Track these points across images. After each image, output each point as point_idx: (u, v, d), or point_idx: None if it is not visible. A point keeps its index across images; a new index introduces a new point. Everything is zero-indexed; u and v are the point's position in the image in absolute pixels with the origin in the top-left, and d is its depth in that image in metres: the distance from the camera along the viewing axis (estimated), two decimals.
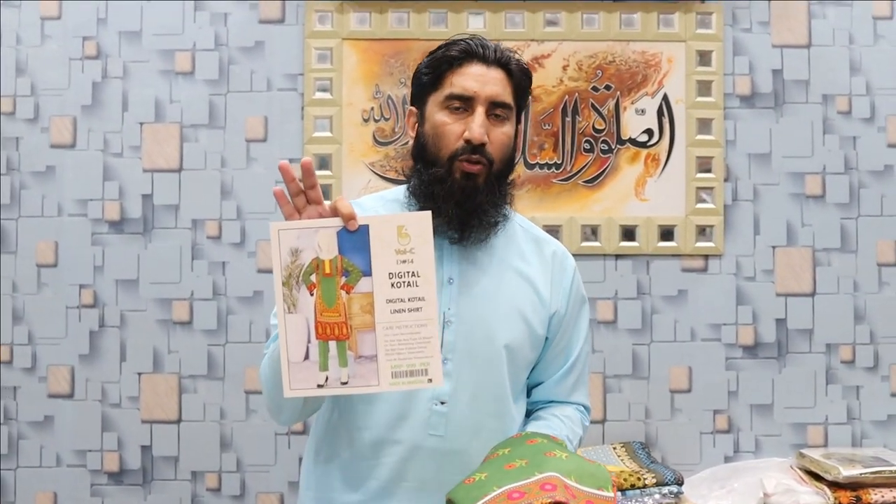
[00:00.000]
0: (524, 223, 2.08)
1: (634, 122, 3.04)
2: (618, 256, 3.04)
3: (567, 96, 3.04)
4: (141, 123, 3.02)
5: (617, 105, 3.04)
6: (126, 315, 3.00)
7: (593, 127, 3.04)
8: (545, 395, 2.07)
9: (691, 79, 3.04)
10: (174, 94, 3.03)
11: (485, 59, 1.90)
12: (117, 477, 2.99)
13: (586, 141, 3.03)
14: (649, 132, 3.04)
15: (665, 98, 3.05)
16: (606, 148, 3.04)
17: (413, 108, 1.99)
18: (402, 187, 2.02)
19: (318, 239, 1.55)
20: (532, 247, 2.03)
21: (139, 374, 3.00)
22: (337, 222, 1.55)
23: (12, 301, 3.00)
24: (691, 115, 3.04)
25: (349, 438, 1.92)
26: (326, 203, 1.63)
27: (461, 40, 1.93)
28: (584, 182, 3.03)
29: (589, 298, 2.95)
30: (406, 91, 2.95)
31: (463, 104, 1.88)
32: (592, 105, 3.04)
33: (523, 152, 3.02)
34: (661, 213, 3.03)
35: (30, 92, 3.02)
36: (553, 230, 3.00)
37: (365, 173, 2.98)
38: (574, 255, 2.94)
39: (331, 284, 1.54)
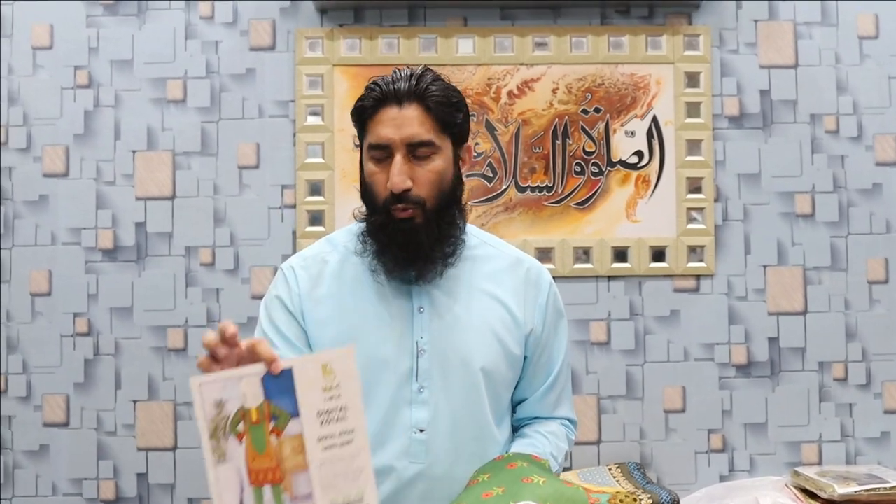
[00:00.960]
0: (496, 243, 2.09)
1: (624, 144, 3.06)
2: (610, 278, 3.05)
3: (557, 119, 3.05)
4: (133, 151, 3.03)
5: (607, 127, 3.06)
6: (121, 343, 3.01)
7: (584, 149, 3.05)
8: (529, 412, 2.09)
9: (680, 100, 3.06)
10: (166, 122, 3.04)
11: (398, 100, 1.87)
12: None
13: (577, 163, 3.05)
14: (639, 154, 3.06)
15: (654, 120, 3.07)
16: (597, 170, 3.05)
17: (359, 146, 2.00)
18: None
19: (242, 388, 1.46)
20: (505, 266, 2.04)
21: (134, 401, 3.00)
22: (260, 368, 1.45)
23: (6, 330, 3.00)
24: (680, 136, 3.06)
25: None
26: (242, 342, 1.50)
27: (376, 84, 1.90)
28: (576, 204, 3.05)
29: (582, 320, 3.02)
30: None
31: (384, 152, 1.88)
32: (582, 128, 3.05)
33: (514, 176, 3.03)
34: (652, 234, 3.05)
35: (22, 121, 3.02)
36: (545, 252, 3.01)
37: (357, 198, 2.97)
38: (566, 277, 3.00)
39: (259, 431, 1.47)
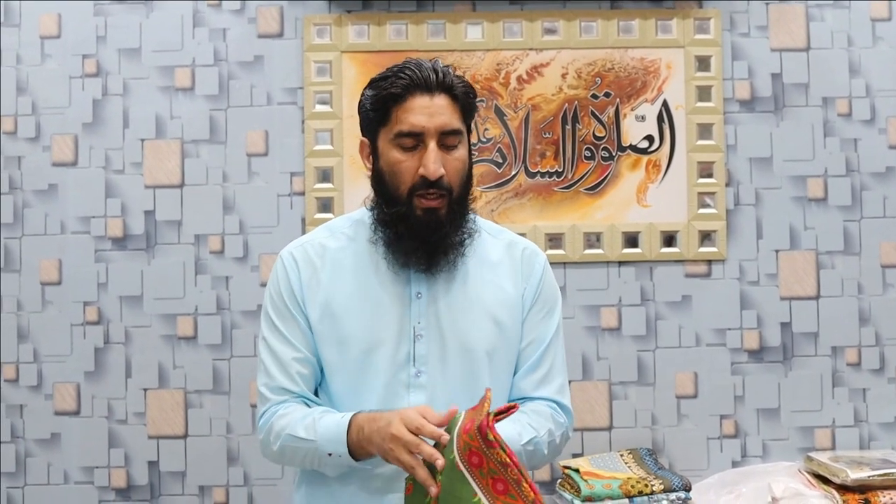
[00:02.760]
0: (492, 230, 2.10)
1: (635, 129, 3.04)
2: (621, 263, 3.04)
3: (567, 104, 3.04)
4: (142, 140, 3.03)
5: (617, 112, 3.04)
6: (131, 331, 3.01)
7: (594, 134, 3.04)
8: (514, 393, 2.06)
9: (691, 84, 3.04)
10: (174, 110, 3.04)
11: (428, 89, 1.89)
12: (125, 493, 2.99)
13: (587, 148, 3.03)
14: (650, 138, 3.04)
15: (665, 104, 3.05)
16: (607, 155, 3.04)
17: (365, 140, 2.00)
18: (364, 209, 2.04)
19: None
20: (501, 250, 2.06)
21: (145, 389, 3.01)
22: None
23: (17, 319, 3.00)
24: (691, 120, 3.04)
25: None
26: None
27: (402, 72, 1.90)
28: (586, 190, 3.03)
29: (593, 306, 3.01)
30: None
31: (414, 140, 1.88)
32: (592, 112, 3.04)
33: (524, 161, 3.02)
34: (663, 219, 3.03)
35: (31, 111, 3.02)
36: (555, 238, 3.00)
37: (367, 185, 2.95)
38: (577, 263, 2.99)
39: None
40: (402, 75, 1.89)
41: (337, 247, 2.02)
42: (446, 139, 1.89)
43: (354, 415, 1.85)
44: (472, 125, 2.04)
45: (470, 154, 1.99)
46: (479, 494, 1.68)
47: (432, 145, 1.87)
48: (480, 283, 2.00)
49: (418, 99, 1.88)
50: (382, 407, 1.90)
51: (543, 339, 2.05)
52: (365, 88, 1.97)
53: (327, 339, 1.97)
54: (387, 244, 1.95)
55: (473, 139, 3.00)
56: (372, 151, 1.98)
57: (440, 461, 1.68)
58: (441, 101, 1.89)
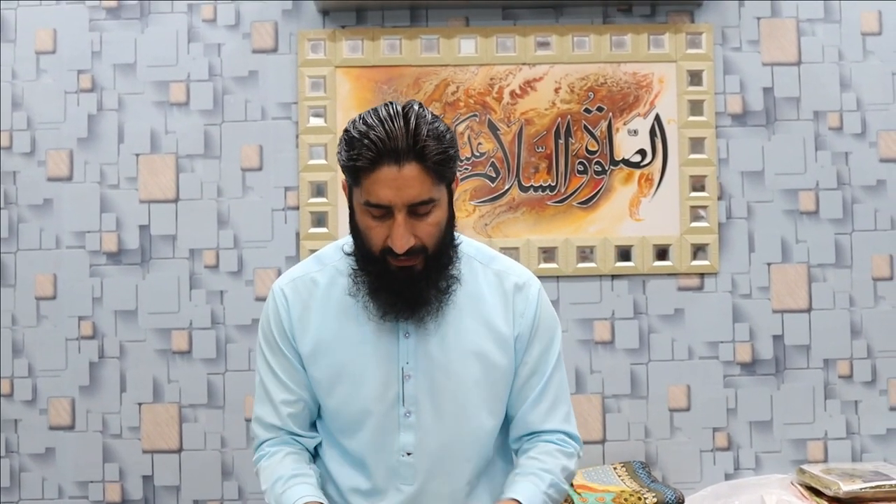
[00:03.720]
0: (484, 257, 2.04)
1: (627, 143, 3.06)
2: (614, 277, 3.05)
3: (560, 119, 3.05)
4: (137, 155, 3.04)
5: (609, 126, 3.06)
6: (125, 346, 3.01)
7: (586, 148, 3.05)
8: (521, 428, 2.03)
9: (683, 98, 3.06)
10: (169, 125, 3.05)
11: (396, 160, 1.76)
12: None
13: (580, 162, 3.05)
14: (642, 152, 3.06)
15: (657, 118, 3.06)
16: (600, 169, 3.05)
17: (344, 182, 1.92)
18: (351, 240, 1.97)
19: None
20: (492, 281, 2.01)
21: (139, 404, 3.01)
22: None
23: (12, 334, 3.01)
24: (683, 134, 3.05)
25: (336, 492, 2.00)
26: None
27: (372, 140, 1.77)
28: (579, 203, 3.05)
29: (586, 319, 3.02)
30: None
31: (382, 211, 1.80)
32: (585, 127, 3.05)
33: (517, 175, 3.03)
34: (655, 232, 3.05)
35: (26, 126, 3.03)
36: (548, 252, 3.01)
37: None
38: (570, 277, 3.00)
39: None
40: (372, 145, 1.77)
41: (326, 282, 1.99)
42: (417, 209, 1.81)
43: None
44: (455, 173, 1.92)
45: (451, 203, 1.92)
46: None
47: (399, 218, 1.79)
48: (470, 320, 1.97)
49: (386, 171, 1.77)
50: (373, 447, 1.93)
51: (545, 371, 2.02)
52: (343, 134, 1.86)
53: (317, 376, 1.97)
54: (367, 294, 1.91)
55: (466, 153, 3.01)
56: (349, 197, 1.91)
57: None
58: (410, 173, 1.77)
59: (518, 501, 1.86)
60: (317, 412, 2.03)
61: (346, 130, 1.84)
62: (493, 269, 2.02)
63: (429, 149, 1.78)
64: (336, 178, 3.01)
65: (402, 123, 1.77)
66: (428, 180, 1.79)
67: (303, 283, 2.01)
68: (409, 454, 1.92)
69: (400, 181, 1.77)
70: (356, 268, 1.92)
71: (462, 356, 1.95)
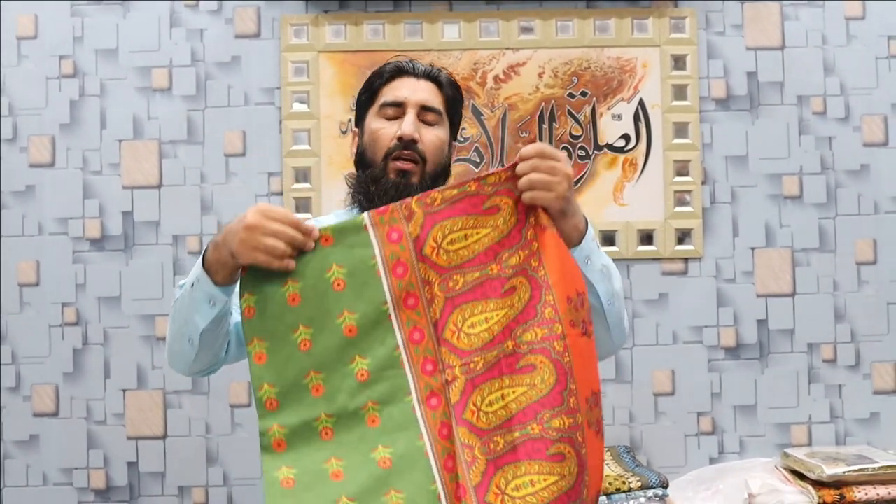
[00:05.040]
0: None
1: (611, 128, 3.06)
2: None
3: (543, 103, 3.05)
4: (119, 141, 3.03)
5: (593, 111, 3.05)
6: (109, 332, 3.01)
7: (570, 133, 3.05)
8: None
9: (666, 83, 3.06)
10: (152, 111, 3.04)
11: (415, 74, 2.02)
12: (104, 494, 2.99)
13: (564, 147, 3.04)
14: (626, 137, 3.06)
15: (641, 103, 3.06)
16: (584, 154, 3.05)
17: (356, 130, 2.09)
18: (350, 208, 2.06)
19: None
20: None
21: (124, 390, 3.00)
22: None
23: None
24: (667, 119, 3.05)
25: None
26: None
27: (395, 60, 2.06)
28: None
29: None
30: None
31: (396, 111, 1.98)
32: (569, 111, 3.05)
33: (501, 160, 3.03)
34: (640, 217, 3.05)
35: (8, 112, 3.02)
36: None
37: (344, 185, 2.95)
38: None
39: None
40: (395, 63, 2.05)
41: None
42: (426, 115, 1.98)
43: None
44: (458, 129, 2.12)
45: (450, 146, 2.05)
46: (389, 303, 1.66)
47: (411, 112, 1.96)
48: None
49: (405, 79, 2.01)
50: None
51: None
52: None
53: None
54: (360, 209, 1.97)
55: None
56: (360, 135, 2.05)
57: (314, 235, 1.64)
58: (425, 84, 2.01)
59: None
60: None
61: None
62: None
63: (443, 77, 2.05)
64: (319, 164, 3.01)
65: (422, 63, 2.06)
66: (440, 97, 2.02)
67: None
68: None
69: (416, 86, 2.00)
70: (353, 188, 2.02)
71: None
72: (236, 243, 1.64)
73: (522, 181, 1.70)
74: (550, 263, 1.69)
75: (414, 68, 2.02)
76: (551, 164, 1.71)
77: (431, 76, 2.02)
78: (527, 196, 1.71)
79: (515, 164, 1.72)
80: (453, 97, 2.05)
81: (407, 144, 1.93)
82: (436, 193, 1.69)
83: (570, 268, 1.70)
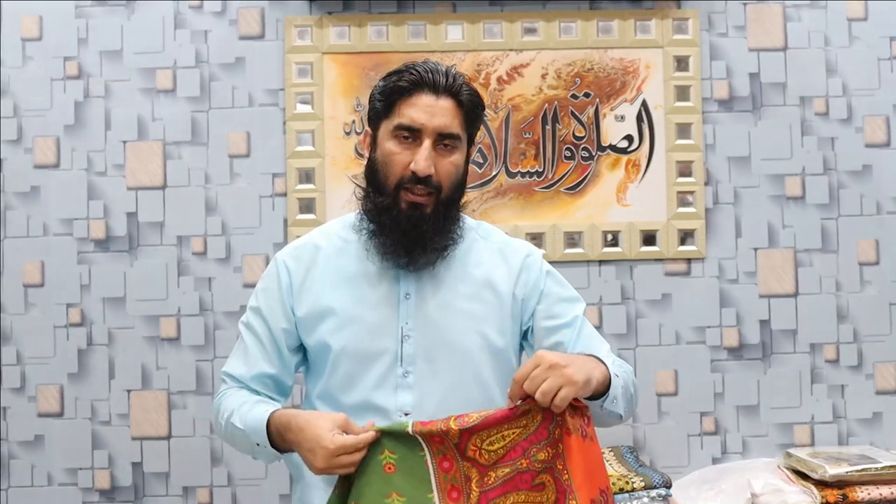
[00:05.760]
0: (485, 232, 2.12)
1: (614, 129, 3.06)
2: (601, 262, 3.06)
3: (547, 105, 3.06)
4: (124, 142, 3.04)
5: (596, 112, 3.06)
6: (114, 333, 3.01)
7: (573, 134, 3.06)
8: None
9: (669, 84, 3.07)
10: (156, 112, 3.04)
11: (435, 89, 1.93)
12: (109, 494, 3.00)
13: (567, 148, 3.05)
14: (629, 138, 3.07)
15: (644, 104, 3.07)
16: (587, 155, 3.06)
17: (368, 130, 2.04)
18: (358, 213, 2.06)
19: None
20: (495, 255, 2.07)
21: (128, 391, 3.01)
22: None
23: (0, 322, 3.00)
24: (670, 120, 3.06)
25: None
26: None
27: (413, 69, 1.94)
28: (566, 189, 3.05)
29: None
30: None
31: (411, 135, 1.92)
32: (572, 113, 3.06)
33: (505, 161, 3.04)
34: (643, 218, 3.05)
35: (12, 113, 3.03)
36: (536, 238, 3.02)
37: (348, 186, 2.98)
38: (557, 262, 3.00)
39: None
40: (413, 72, 1.94)
41: (329, 247, 2.06)
42: (444, 141, 1.93)
43: (272, 413, 1.87)
44: (476, 139, 2.08)
45: (466, 163, 2.01)
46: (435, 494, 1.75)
47: (427, 143, 1.90)
48: (471, 285, 2.02)
49: (423, 97, 1.92)
50: (367, 406, 1.94)
51: (569, 312, 2.08)
52: (378, 81, 2.02)
53: (315, 337, 2.00)
54: (369, 235, 1.98)
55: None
56: (372, 142, 2.01)
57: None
58: (445, 104, 1.93)
59: (597, 357, 1.87)
60: (286, 385, 2.07)
61: (384, 75, 2.01)
62: (495, 246, 2.09)
63: (464, 91, 1.95)
64: (323, 165, 3.02)
65: (442, 68, 1.95)
66: (459, 117, 1.94)
67: (305, 249, 2.07)
68: (406, 414, 1.94)
69: (435, 108, 1.91)
70: (364, 210, 2.00)
71: (460, 319, 1.99)
72: (312, 470, 1.77)
73: (538, 397, 1.71)
74: (574, 468, 1.75)
75: (435, 82, 1.93)
76: (544, 370, 1.71)
77: (453, 91, 1.94)
78: (555, 405, 1.71)
79: (523, 398, 1.75)
80: (473, 113, 1.99)
81: (420, 179, 1.91)
82: (473, 417, 1.76)
83: (594, 467, 1.78)
